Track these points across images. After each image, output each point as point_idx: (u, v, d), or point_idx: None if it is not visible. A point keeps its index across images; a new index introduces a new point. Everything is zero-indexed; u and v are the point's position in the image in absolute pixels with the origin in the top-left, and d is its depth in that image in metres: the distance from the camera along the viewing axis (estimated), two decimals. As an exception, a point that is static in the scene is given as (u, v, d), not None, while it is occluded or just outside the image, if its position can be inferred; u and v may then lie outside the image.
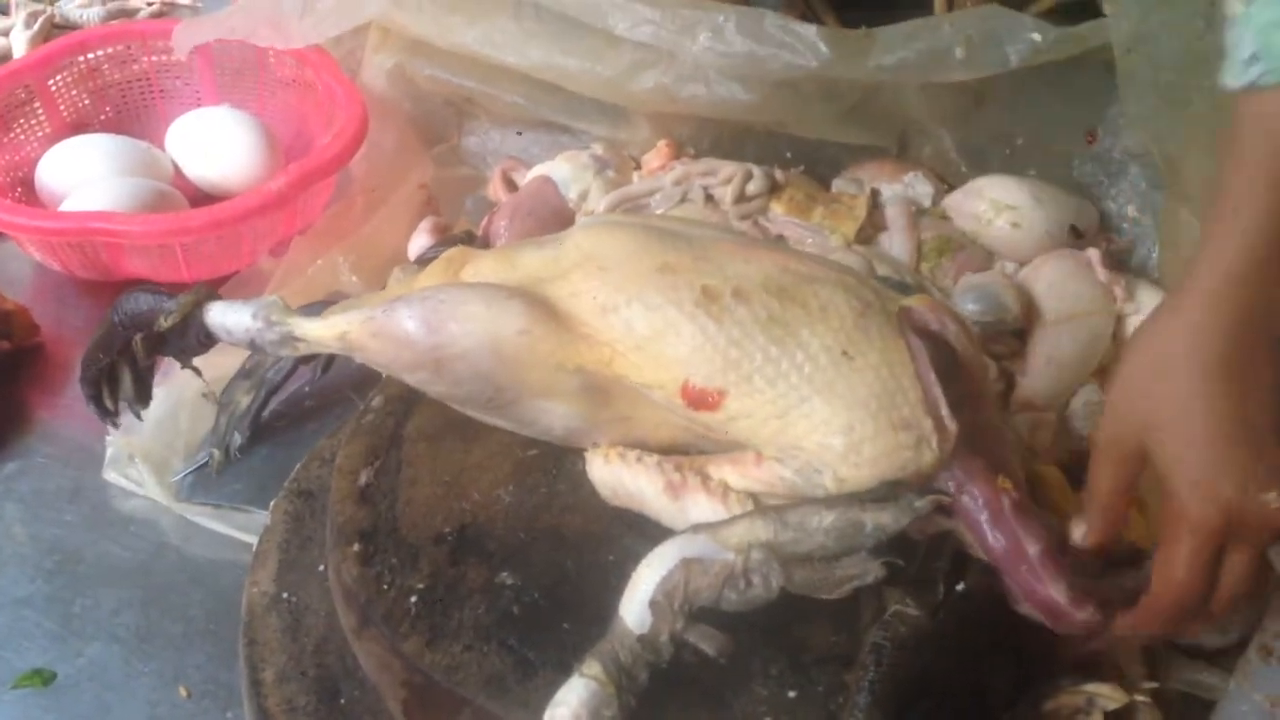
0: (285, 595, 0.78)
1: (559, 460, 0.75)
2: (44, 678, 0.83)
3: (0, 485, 0.97)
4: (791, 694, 0.63)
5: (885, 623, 0.62)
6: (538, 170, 1.16)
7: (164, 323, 0.74)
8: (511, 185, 1.19)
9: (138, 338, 0.74)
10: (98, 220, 1.06)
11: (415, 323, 0.68)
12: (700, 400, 0.65)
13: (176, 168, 1.23)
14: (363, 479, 0.75)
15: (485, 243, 1.11)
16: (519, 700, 0.63)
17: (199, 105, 1.28)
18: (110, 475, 0.96)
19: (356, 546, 0.71)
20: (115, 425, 0.81)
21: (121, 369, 0.75)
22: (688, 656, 0.61)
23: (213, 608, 0.87)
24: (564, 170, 1.14)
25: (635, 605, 0.61)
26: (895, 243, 1.06)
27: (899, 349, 0.65)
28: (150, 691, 0.82)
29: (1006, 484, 0.64)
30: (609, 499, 0.71)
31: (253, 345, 0.71)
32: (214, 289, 0.74)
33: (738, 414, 0.65)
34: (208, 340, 0.74)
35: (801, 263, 0.69)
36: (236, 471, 0.94)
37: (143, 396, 0.76)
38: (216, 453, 0.77)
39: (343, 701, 0.72)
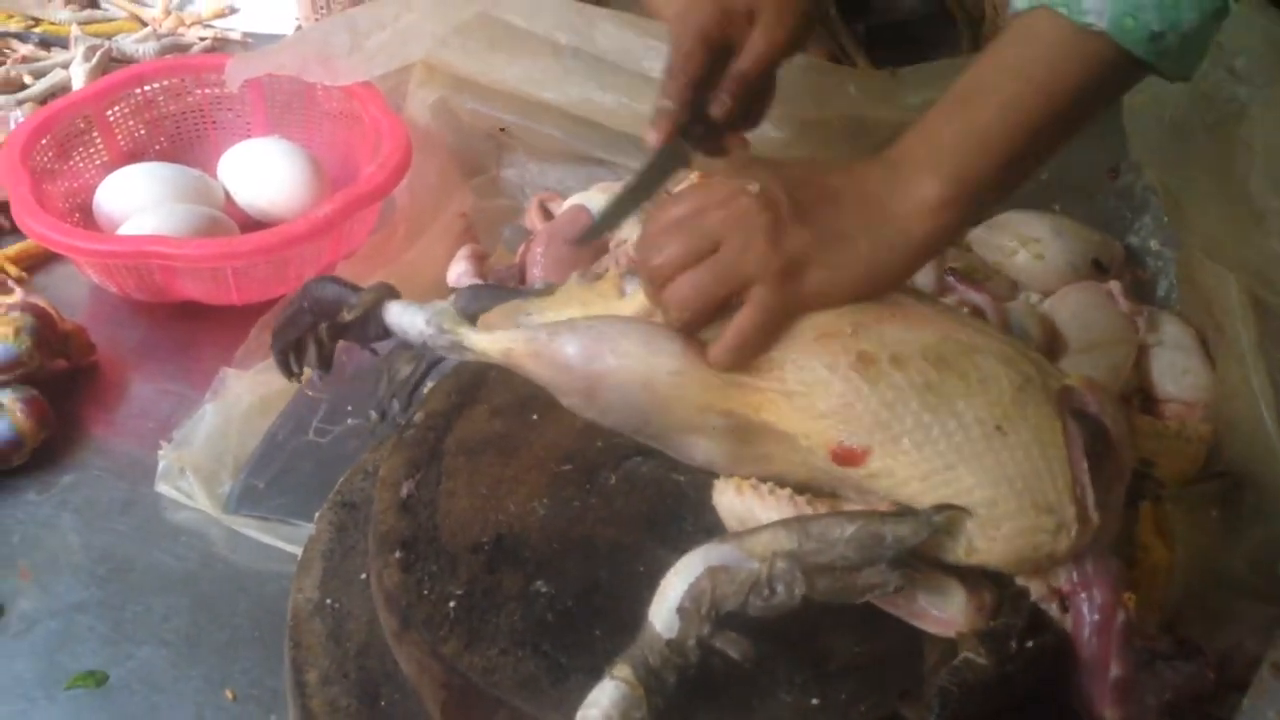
0: (329, 601, 0.80)
1: (592, 475, 0.78)
2: (96, 679, 0.86)
3: (57, 496, 1.00)
4: (815, 701, 0.65)
5: (954, 669, 0.62)
6: (573, 200, 1.19)
7: (347, 315, 0.78)
8: (548, 215, 1.22)
9: (323, 326, 0.80)
10: (153, 244, 1.10)
11: (575, 350, 0.70)
12: (845, 456, 0.65)
13: (228, 195, 1.27)
14: (404, 491, 0.78)
15: (522, 269, 1.15)
16: (552, 702, 0.65)
17: (250, 136, 1.32)
18: (162, 488, 0.99)
19: (398, 554, 0.74)
20: (299, 382, 0.87)
21: (307, 344, 0.81)
22: (715, 663, 0.63)
23: (258, 615, 0.90)
24: (599, 200, 1.17)
25: (664, 611, 0.63)
26: (920, 273, 1.08)
27: (1054, 430, 0.64)
28: (197, 694, 0.85)
29: (1131, 600, 0.64)
30: (735, 529, 0.70)
31: (424, 346, 0.76)
32: (394, 287, 0.79)
33: (880, 472, 0.65)
34: (386, 334, 0.79)
35: (965, 331, 0.68)
36: (282, 486, 0.97)
37: (325, 366, 0.83)
38: (374, 414, 0.81)
39: (383, 703, 0.74)
